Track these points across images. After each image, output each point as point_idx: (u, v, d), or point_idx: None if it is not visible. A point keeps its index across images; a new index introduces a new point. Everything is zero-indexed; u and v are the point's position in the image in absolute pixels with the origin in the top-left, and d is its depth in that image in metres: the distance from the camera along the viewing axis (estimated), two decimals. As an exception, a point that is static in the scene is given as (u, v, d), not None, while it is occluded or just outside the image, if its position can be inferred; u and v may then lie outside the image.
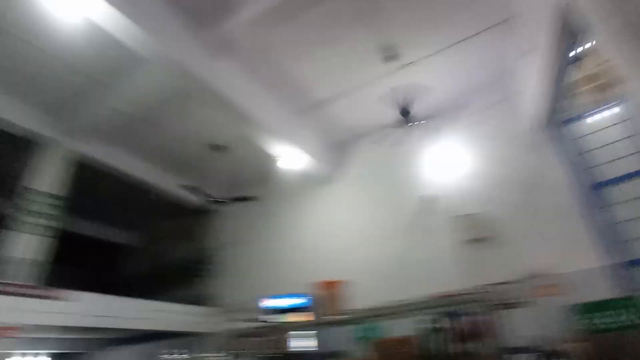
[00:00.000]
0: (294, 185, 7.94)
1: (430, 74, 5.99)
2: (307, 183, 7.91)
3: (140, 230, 11.11)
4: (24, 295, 5.01)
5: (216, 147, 7.36)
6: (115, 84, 5.70)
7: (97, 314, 5.80)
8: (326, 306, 6.31)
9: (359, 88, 6.26)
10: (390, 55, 5.52)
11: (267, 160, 7.31)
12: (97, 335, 7.90)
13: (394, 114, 5.89)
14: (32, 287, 5.18)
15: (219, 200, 7.00)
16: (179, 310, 7.22)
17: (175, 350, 7.56)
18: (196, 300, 8.06)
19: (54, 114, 6.32)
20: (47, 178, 6.19)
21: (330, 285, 6.54)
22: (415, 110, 5.88)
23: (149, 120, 6.61)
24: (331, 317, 5.98)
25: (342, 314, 5.92)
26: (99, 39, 4.65)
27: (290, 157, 6.93)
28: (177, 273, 9.45)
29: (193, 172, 8.09)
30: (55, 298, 5.31)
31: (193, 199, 7.61)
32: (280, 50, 5.54)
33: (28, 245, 5.64)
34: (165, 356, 7.47)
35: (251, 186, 8.30)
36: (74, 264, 11.56)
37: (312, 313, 6.43)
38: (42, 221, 5.90)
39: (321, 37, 5.33)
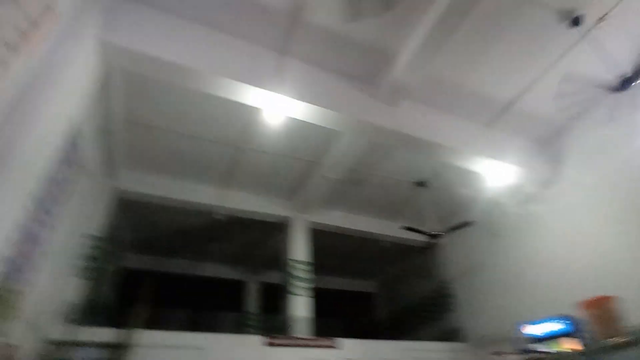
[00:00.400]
0: (509, 200, 7.34)
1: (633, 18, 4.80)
2: (523, 194, 7.18)
3: (378, 277, 12.12)
4: (310, 345, 6.30)
5: (420, 184, 7.63)
6: (321, 159, 6.77)
7: (360, 357, 6.57)
8: (599, 328, 5.23)
9: (547, 70, 5.50)
10: (573, 17, 4.72)
11: (473, 182, 7.11)
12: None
13: (602, 83, 4.87)
14: (314, 339, 6.43)
15: (438, 233, 7.07)
16: (432, 348, 7.37)
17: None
18: (445, 336, 8.09)
19: (289, 197, 7.95)
20: (298, 248, 7.69)
21: (600, 302, 5.38)
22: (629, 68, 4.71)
23: (355, 179, 7.46)
24: (611, 340, 4.92)
25: (626, 335, 4.81)
26: (301, 128, 5.83)
27: (496, 173, 6.51)
28: (420, 311, 9.78)
29: (407, 212, 8.51)
30: (331, 346, 6.45)
31: (416, 237, 7.97)
32: (449, 72, 5.50)
33: (300, 304, 7.01)
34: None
35: (465, 212, 8.13)
36: (328, 315, 13.46)
37: (578, 338, 5.44)
38: (304, 284, 7.27)
39: (486, 37, 5.01)
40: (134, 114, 5.59)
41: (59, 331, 4.86)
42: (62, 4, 3.14)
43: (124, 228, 8.59)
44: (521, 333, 6.19)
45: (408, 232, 7.13)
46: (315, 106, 4.93)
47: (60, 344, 4.77)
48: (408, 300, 10.57)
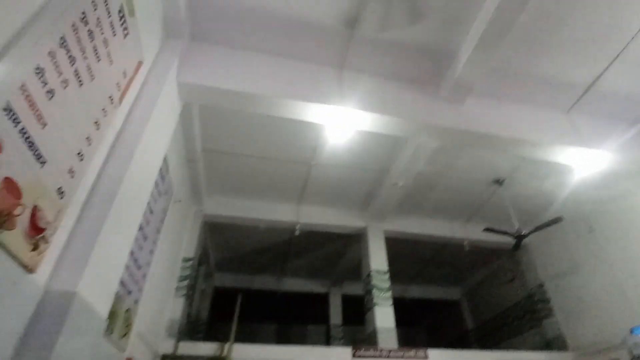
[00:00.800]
0: (604, 192, 6.61)
1: None
2: (618, 183, 6.43)
3: (462, 284, 11.54)
4: (397, 357, 6.20)
5: (497, 182, 7.19)
6: (390, 167, 6.72)
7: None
8: None
9: (630, 42, 4.91)
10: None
11: (558, 175, 6.55)
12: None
13: None
14: (401, 350, 6.31)
15: (523, 233, 6.57)
16: (531, 358, 6.79)
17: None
18: (545, 345, 7.42)
19: (363, 208, 7.99)
20: (377, 258, 7.64)
21: None
22: None
23: (427, 183, 7.26)
24: None
25: None
26: (366, 139, 5.89)
27: (584, 162, 5.87)
28: (511, 319, 9.12)
29: (486, 213, 8.06)
30: (419, 357, 6.27)
31: (500, 239, 7.52)
32: (516, 60, 5.15)
33: (383, 315, 6.93)
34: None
35: (551, 208, 7.48)
36: (411, 325, 13.14)
37: None
38: (385, 293, 7.19)
39: (555, 15, 4.57)
40: (211, 143, 6.11)
41: (165, 346, 5.40)
42: (147, 55, 3.60)
43: (213, 249, 9.28)
44: (636, 338, 5.50)
45: (490, 234, 6.75)
46: (378, 115, 4.93)
47: (168, 358, 5.28)
48: (497, 307, 9.91)
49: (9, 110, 1.86)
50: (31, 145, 2.05)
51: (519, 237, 6.57)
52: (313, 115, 4.71)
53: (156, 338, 5.16)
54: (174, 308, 5.91)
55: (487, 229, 6.71)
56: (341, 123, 4.97)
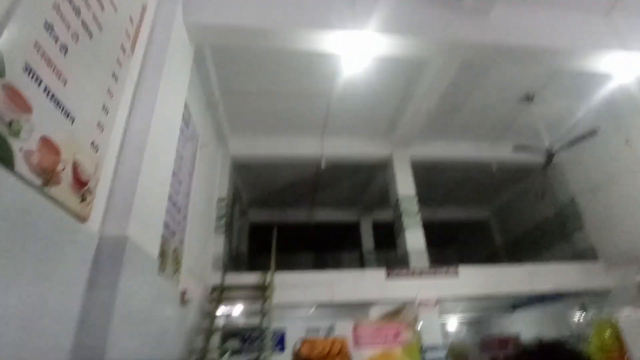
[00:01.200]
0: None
1: None
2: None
3: (492, 204, 11.58)
4: (429, 275, 6.52)
5: (527, 98, 6.83)
6: (413, 91, 6.47)
7: (482, 284, 6.58)
8: None
9: None
10: None
11: (591, 86, 6.15)
12: (492, 303, 8.78)
13: None
14: (432, 269, 6.61)
15: (555, 149, 6.35)
16: (561, 270, 6.93)
17: (580, 310, 7.32)
18: (575, 257, 7.56)
19: (387, 135, 7.91)
20: (404, 184, 7.71)
21: None
22: None
23: (453, 105, 7.00)
24: None
25: None
26: (386, 64, 5.66)
27: (624, 67, 5.40)
28: (542, 234, 9.25)
29: (515, 132, 7.81)
30: (450, 275, 6.57)
31: (530, 157, 7.36)
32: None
33: (414, 238, 7.17)
34: (574, 315, 7.36)
35: (585, 121, 7.15)
36: (442, 246, 13.58)
37: None
38: (415, 217, 7.37)
39: None
40: (229, 85, 6.04)
41: (213, 278, 5.88)
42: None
43: (244, 188, 9.61)
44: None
45: (520, 152, 6.58)
46: (395, 36, 4.67)
47: (217, 288, 5.79)
48: (526, 223, 9.99)
49: (29, 69, 1.90)
50: (57, 103, 2.11)
51: (551, 154, 6.37)
52: (327, 43, 4.51)
53: (204, 272, 5.61)
54: (216, 245, 6.33)
55: (517, 148, 6.51)
56: (357, 49, 4.74)
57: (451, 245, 14.09)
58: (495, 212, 11.71)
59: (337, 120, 7.25)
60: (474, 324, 11.25)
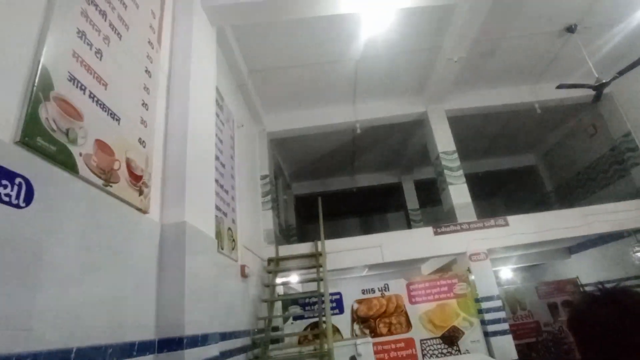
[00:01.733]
0: None
1: None
2: None
3: (538, 148, 11.01)
4: (478, 227, 6.44)
5: (568, 29, 6.26)
6: (441, 41, 6.15)
7: (534, 231, 6.40)
8: None
9: None
10: None
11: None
12: (546, 249, 8.55)
13: None
14: (480, 221, 6.51)
15: (605, 81, 5.86)
16: (619, 209, 6.54)
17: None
18: (634, 194, 7.12)
19: (420, 92, 7.67)
20: (442, 139, 7.52)
21: None
22: None
23: (486, 49, 6.57)
24: None
25: None
26: (408, 16, 5.42)
27: None
28: (595, 174, 8.77)
29: (558, 69, 7.28)
30: (499, 225, 6.44)
31: (577, 94, 6.88)
32: None
33: (458, 193, 7.05)
34: (635, 254, 7.05)
35: (632, 50, 6.54)
36: (489, 198, 13.21)
37: None
38: (457, 172, 7.21)
39: None
40: (254, 63, 6.06)
41: (267, 251, 6.17)
42: (167, -12, 3.52)
43: (284, 163, 9.80)
44: None
45: (565, 90, 6.15)
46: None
47: (272, 260, 6.08)
48: (578, 164, 9.47)
49: (73, 79, 2.03)
50: (103, 106, 2.26)
51: (600, 87, 5.89)
52: (345, 3, 4.37)
53: (258, 246, 5.90)
54: (265, 220, 6.58)
55: (561, 86, 6.08)
56: (376, 3, 4.57)
57: (498, 196, 13.71)
58: (543, 157, 11.14)
59: (367, 83, 7.11)
60: (529, 270, 11.06)
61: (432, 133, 7.65)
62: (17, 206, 1.53)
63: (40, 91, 1.77)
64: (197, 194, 2.94)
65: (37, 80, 1.76)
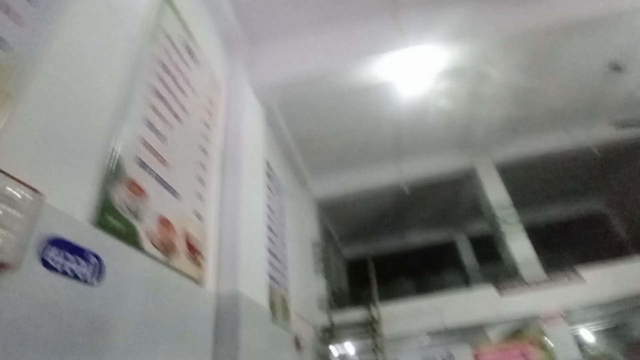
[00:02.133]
0: None
1: None
2: None
3: (603, 192, 10.24)
4: (546, 285, 5.87)
5: (613, 68, 6.07)
6: (482, 93, 6.20)
7: (613, 285, 5.76)
8: None
9: None
10: None
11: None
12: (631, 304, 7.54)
13: None
14: (548, 278, 5.96)
15: None
16: None
17: None
18: None
19: (465, 145, 7.61)
20: (494, 191, 7.25)
21: None
22: None
23: (527, 96, 6.52)
24: None
25: None
26: (446, 75, 5.56)
27: None
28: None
29: (609, 108, 7.00)
30: (571, 281, 5.86)
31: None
32: None
33: (519, 246, 6.60)
34: None
35: None
36: (554, 252, 12.15)
37: None
38: (515, 225, 6.81)
39: None
40: (300, 133, 6.39)
41: (321, 319, 5.97)
42: (220, 75, 3.92)
43: (334, 227, 9.81)
44: None
45: (624, 127, 5.84)
46: (447, 44, 4.58)
47: (327, 329, 5.85)
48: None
49: (141, 163, 2.25)
50: (166, 185, 2.45)
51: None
52: (383, 69, 4.58)
53: (311, 314, 5.74)
54: (318, 286, 6.47)
55: (619, 123, 5.78)
56: (411, 67, 4.74)
57: (564, 247, 12.58)
58: (612, 200, 10.29)
59: (409, 142, 7.19)
60: (613, 329, 9.71)
61: (482, 186, 7.42)
62: (89, 282, 1.64)
63: (113, 175, 1.97)
64: (250, 264, 3.00)
65: (111, 166, 1.97)
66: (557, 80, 6.28)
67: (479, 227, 10.47)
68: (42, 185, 1.44)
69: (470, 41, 4.53)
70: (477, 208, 8.25)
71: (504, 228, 6.84)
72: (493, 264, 10.57)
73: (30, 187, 1.39)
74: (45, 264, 1.45)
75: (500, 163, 7.62)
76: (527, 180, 8.72)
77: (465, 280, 10.67)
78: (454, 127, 7.06)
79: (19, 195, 1.34)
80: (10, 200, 1.31)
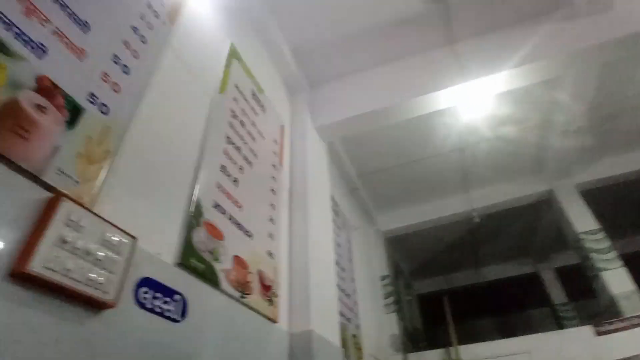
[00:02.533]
0: None
1: None
2: None
3: None
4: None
5: None
6: (552, 115, 5.81)
7: None
8: None
9: None
10: None
11: None
12: None
13: None
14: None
15: None
16: None
17: None
18: None
19: (539, 170, 7.12)
20: (579, 217, 6.60)
21: None
22: None
23: (605, 115, 6.00)
24: None
25: None
26: (511, 99, 5.32)
27: None
28: None
29: None
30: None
31: None
32: None
33: (615, 278, 5.85)
34: None
35: None
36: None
37: None
38: (608, 254, 6.08)
39: None
40: (363, 167, 6.44)
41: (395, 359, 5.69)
42: (284, 118, 4.14)
43: (403, 261, 9.51)
44: None
45: None
46: (513, 69, 4.44)
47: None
48: None
49: (218, 206, 2.41)
50: (239, 226, 2.59)
51: None
52: (444, 101, 4.54)
53: (385, 355, 5.50)
54: (390, 324, 6.22)
55: None
56: (474, 97, 4.64)
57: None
58: None
59: (476, 169, 6.88)
60: None
61: (563, 212, 6.79)
62: (175, 320, 1.76)
63: (194, 219, 2.14)
64: (321, 301, 3.01)
65: (192, 210, 2.14)
66: (637, 90, 5.70)
67: (565, 258, 9.50)
68: (135, 230, 1.61)
69: (536, 64, 4.35)
70: (560, 236, 7.53)
71: (595, 257, 6.13)
72: (584, 297, 9.46)
73: (127, 233, 1.56)
74: (139, 302, 1.60)
75: (582, 185, 6.95)
76: (617, 203, 7.82)
77: (554, 317, 9.59)
78: (524, 151, 6.62)
79: (118, 240, 1.51)
80: (110, 245, 1.48)
